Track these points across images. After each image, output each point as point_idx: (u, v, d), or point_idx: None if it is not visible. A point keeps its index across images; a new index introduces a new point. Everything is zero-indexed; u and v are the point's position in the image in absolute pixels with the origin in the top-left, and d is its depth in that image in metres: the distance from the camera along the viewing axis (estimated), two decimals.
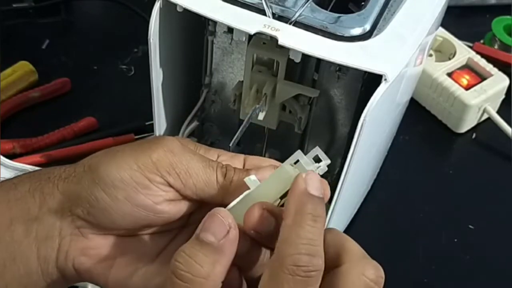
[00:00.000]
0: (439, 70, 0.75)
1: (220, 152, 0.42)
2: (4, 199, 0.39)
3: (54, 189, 0.39)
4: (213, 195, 0.38)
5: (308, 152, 0.58)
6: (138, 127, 0.71)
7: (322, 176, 0.37)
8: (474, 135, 0.76)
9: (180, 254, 0.34)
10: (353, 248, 0.36)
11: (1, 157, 0.60)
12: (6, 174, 0.60)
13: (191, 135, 0.61)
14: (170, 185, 0.38)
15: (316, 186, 0.35)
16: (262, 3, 0.48)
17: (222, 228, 0.34)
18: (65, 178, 0.39)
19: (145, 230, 0.40)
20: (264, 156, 0.60)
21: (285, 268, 0.32)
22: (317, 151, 0.37)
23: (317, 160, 0.37)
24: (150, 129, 0.65)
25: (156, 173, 0.37)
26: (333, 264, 0.35)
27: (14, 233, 0.38)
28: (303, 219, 0.33)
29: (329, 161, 0.37)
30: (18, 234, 0.38)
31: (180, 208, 0.39)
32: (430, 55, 0.77)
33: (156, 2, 0.49)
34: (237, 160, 0.41)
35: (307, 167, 0.36)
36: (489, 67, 0.76)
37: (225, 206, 0.37)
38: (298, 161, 0.37)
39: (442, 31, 0.78)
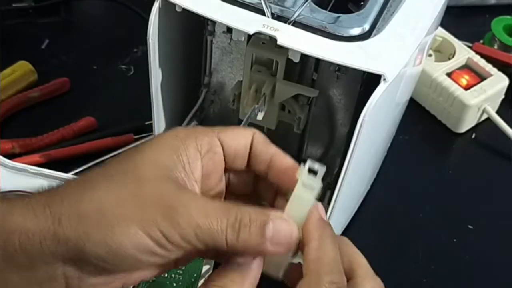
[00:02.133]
0: (439, 70, 0.75)
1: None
2: None
3: (41, 250, 0.36)
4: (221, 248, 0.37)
5: (307, 152, 0.58)
6: (138, 127, 0.71)
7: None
8: (473, 135, 0.76)
9: (213, 276, 0.37)
10: (364, 263, 0.40)
11: (1, 157, 0.60)
12: (6, 174, 0.60)
13: None
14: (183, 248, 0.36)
15: (324, 213, 0.39)
16: (261, 3, 0.48)
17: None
18: (54, 240, 0.36)
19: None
20: None
21: (324, 286, 0.36)
22: (311, 163, 0.38)
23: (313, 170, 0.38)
24: (150, 129, 0.65)
25: (169, 244, 0.36)
26: (346, 276, 0.38)
27: (9, 280, 0.36)
28: (327, 241, 0.37)
29: (325, 168, 0.38)
30: (14, 281, 0.36)
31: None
32: (430, 55, 0.77)
33: (155, 2, 0.49)
34: (265, 151, 0.41)
35: (315, 184, 0.38)
36: (488, 67, 0.76)
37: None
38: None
39: (441, 31, 0.78)
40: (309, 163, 0.38)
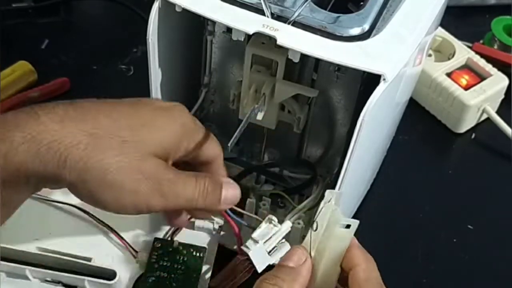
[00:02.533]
0: (439, 70, 0.75)
1: None
2: None
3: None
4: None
5: (306, 152, 0.58)
6: None
7: None
8: (473, 135, 0.76)
9: (266, 276, 0.42)
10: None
11: None
12: None
13: None
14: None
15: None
16: (261, 3, 0.48)
17: (302, 257, 0.43)
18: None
19: None
20: (264, 156, 0.61)
21: None
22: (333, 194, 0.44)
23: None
24: None
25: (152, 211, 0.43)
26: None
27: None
28: (371, 263, 0.45)
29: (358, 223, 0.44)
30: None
31: None
32: (430, 55, 0.77)
33: (155, 2, 0.49)
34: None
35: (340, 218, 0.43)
36: (488, 67, 0.76)
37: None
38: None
39: (441, 31, 0.78)
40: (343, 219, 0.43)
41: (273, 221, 0.49)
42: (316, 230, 0.44)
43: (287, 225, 0.50)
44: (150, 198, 0.42)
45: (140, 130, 0.43)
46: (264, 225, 0.49)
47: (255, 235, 0.49)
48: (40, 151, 0.39)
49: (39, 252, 0.55)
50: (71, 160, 0.39)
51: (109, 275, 0.54)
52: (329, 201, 0.44)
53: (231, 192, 0.47)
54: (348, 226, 0.43)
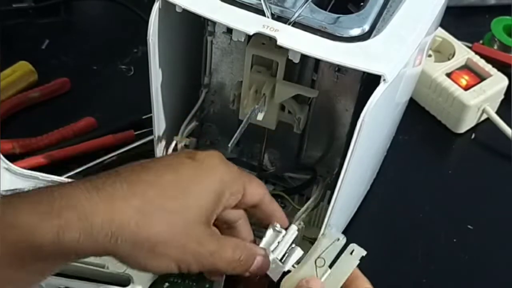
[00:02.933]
0: (438, 71, 0.75)
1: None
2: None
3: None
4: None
5: (307, 152, 0.58)
6: (136, 122, 0.71)
7: None
8: (473, 135, 0.76)
9: None
10: None
11: (11, 164, 0.61)
12: (6, 175, 0.60)
13: (190, 135, 0.61)
14: None
15: None
16: (261, 4, 0.48)
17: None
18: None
19: None
20: (263, 156, 0.61)
21: None
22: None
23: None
24: (148, 123, 0.65)
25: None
26: None
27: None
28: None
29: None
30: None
31: None
32: (430, 56, 0.77)
33: (156, 2, 0.49)
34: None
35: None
36: (488, 67, 0.76)
37: None
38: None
39: (441, 32, 0.78)
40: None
41: (276, 228, 0.50)
42: (323, 266, 0.46)
43: (293, 230, 0.50)
44: (191, 266, 0.44)
45: (184, 199, 0.44)
46: (269, 233, 0.50)
47: (262, 244, 0.49)
48: (93, 232, 0.40)
49: None
50: (122, 238, 0.41)
51: (124, 281, 0.54)
52: (338, 240, 0.47)
53: (260, 264, 0.48)
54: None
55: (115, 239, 0.41)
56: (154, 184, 0.43)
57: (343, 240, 0.47)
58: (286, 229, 0.50)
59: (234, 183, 0.47)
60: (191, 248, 0.44)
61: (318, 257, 0.46)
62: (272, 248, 0.49)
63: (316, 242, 0.48)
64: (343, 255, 0.47)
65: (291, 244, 0.50)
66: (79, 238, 0.40)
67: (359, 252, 0.47)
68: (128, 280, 0.54)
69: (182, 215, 0.44)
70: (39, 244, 0.39)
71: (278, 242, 0.49)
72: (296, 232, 0.51)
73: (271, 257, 0.49)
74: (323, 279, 0.46)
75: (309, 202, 0.57)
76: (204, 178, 0.46)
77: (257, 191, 0.49)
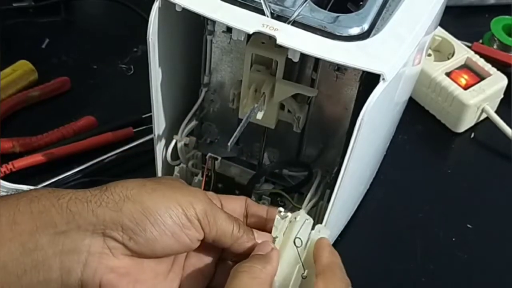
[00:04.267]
0: (438, 70, 0.75)
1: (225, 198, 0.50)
2: (26, 210, 0.42)
3: (85, 210, 0.42)
4: (225, 242, 0.47)
5: (306, 151, 0.58)
6: (136, 120, 0.71)
7: None
8: (472, 135, 0.76)
9: (240, 264, 0.44)
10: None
11: (1, 181, 0.61)
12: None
13: (190, 134, 0.61)
14: (202, 229, 0.45)
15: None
16: (260, 3, 0.48)
17: (268, 247, 0.46)
18: (97, 202, 0.43)
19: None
20: (263, 155, 0.61)
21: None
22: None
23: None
24: (148, 121, 0.66)
25: (195, 218, 0.44)
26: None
27: (39, 242, 0.41)
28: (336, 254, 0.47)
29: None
30: (43, 243, 0.41)
31: (199, 240, 0.46)
32: (429, 55, 0.77)
33: (155, 1, 0.49)
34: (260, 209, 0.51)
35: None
36: (487, 66, 0.76)
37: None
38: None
39: (441, 31, 0.78)
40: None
41: (281, 212, 0.49)
42: (301, 246, 0.46)
43: (302, 215, 0.50)
44: (192, 201, 0.45)
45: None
46: (278, 220, 0.49)
47: (274, 233, 0.49)
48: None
49: None
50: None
51: None
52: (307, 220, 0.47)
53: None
54: None
55: (105, 188, 0.44)
56: (151, 192, 0.45)
57: (311, 220, 0.48)
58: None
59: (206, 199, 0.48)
60: (193, 195, 0.45)
61: (296, 238, 0.46)
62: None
63: (288, 224, 0.48)
64: (312, 234, 0.47)
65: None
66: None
67: (324, 232, 0.47)
68: None
69: (171, 193, 0.45)
70: None
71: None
72: (307, 218, 0.50)
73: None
74: (303, 258, 0.46)
75: (307, 198, 0.57)
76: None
77: (234, 197, 0.51)
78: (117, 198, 0.43)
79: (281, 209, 0.49)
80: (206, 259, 0.49)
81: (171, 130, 0.60)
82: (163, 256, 0.45)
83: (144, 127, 0.71)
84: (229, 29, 0.53)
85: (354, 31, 0.48)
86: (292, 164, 0.61)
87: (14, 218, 0.41)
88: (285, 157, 0.61)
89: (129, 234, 0.43)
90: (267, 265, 0.44)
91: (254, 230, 0.48)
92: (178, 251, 0.46)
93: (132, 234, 0.43)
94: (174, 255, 0.47)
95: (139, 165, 0.69)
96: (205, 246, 0.47)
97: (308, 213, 0.57)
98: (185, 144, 0.61)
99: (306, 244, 0.47)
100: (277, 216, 0.49)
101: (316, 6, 0.49)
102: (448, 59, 0.77)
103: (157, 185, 0.45)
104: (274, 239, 0.48)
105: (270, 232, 0.49)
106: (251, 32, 0.47)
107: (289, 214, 0.49)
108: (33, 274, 0.41)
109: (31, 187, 0.61)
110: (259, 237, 0.48)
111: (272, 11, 0.48)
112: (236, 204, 0.50)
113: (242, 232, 0.47)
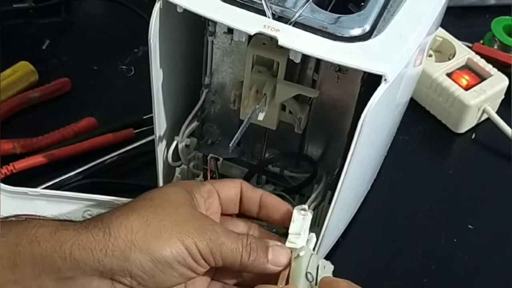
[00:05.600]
0: (439, 71, 0.75)
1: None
2: (27, 252, 0.41)
3: (90, 259, 0.42)
4: (234, 269, 0.47)
5: (307, 152, 0.58)
6: (137, 121, 0.71)
7: None
8: (473, 135, 0.76)
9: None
10: None
11: (0, 184, 0.60)
12: (6, 199, 0.60)
13: (191, 135, 0.61)
14: (209, 264, 0.45)
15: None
16: (262, 4, 0.48)
17: None
18: (103, 251, 0.42)
19: None
20: (264, 156, 0.61)
21: None
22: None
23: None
24: (148, 122, 0.66)
25: (201, 258, 0.44)
26: None
27: (43, 286, 0.41)
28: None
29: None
30: (49, 285, 0.41)
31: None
32: (430, 56, 0.77)
33: (156, 2, 0.49)
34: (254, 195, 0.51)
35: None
36: (488, 67, 0.76)
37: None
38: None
39: (441, 32, 0.78)
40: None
41: (303, 210, 0.50)
42: (312, 281, 0.46)
43: (307, 250, 0.50)
44: (197, 240, 0.44)
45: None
46: (297, 217, 0.50)
47: (293, 229, 0.49)
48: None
49: None
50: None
51: None
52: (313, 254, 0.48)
53: (278, 252, 0.47)
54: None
55: (108, 231, 0.43)
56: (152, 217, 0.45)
57: (314, 253, 0.48)
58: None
59: (197, 185, 0.49)
60: (187, 219, 0.45)
61: (307, 272, 0.46)
62: (304, 231, 0.49)
63: (297, 259, 0.47)
64: (319, 271, 0.47)
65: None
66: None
67: (329, 267, 0.48)
68: None
69: (167, 200, 0.46)
70: None
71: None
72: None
73: (301, 243, 0.49)
74: None
75: (310, 199, 0.57)
76: (165, 189, 0.48)
77: (230, 183, 0.51)
78: (122, 245, 0.42)
79: (304, 206, 0.49)
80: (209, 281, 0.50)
81: (172, 131, 0.60)
82: None
83: (145, 128, 0.71)
84: (230, 30, 0.53)
85: (356, 32, 0.48)
86: (293, 156, 0.60)
87: (15, 261, 0.41)
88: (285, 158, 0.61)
89: (138, 280, 0.43)
90: None
91: (271, 243, 0.48)
92: (186, 282, 0.47)
93: (141, 280, 0.43)
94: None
95: (140, 166, 0.69)
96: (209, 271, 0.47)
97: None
98: (186, 145, 0.61)
99: (316, 278, 0.46)
100: (295, 211, 0.49)
101: (317, 7, 0.49)
102: (449, 59, 0.77)
103: (162, 222, 0.44)
104: (290, 235, 0.48)
105: (261, 218, 0.50)
106: (252, 33, 0.47)
107: (305, 207, 0.50)
108: None
109: (31, 189, 0.61)
110: (275, 251, 0.47)
111: (273, 12, 0.48)
112: (231, 192, 0.51)
113: (254, 257, 0.46)
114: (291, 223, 0.50)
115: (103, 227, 0.43)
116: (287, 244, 0.49)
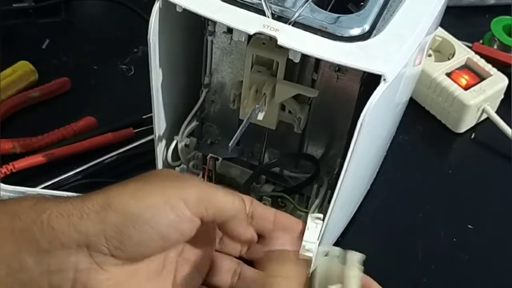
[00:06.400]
0: (438, 70, 0.75)
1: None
2: (7, 227, 0.40)
3: (66, 226, 0.40)
4: (226, 217, 0.44)
5: (307, 152, 0.58)
6: (136, 121, 0.71)
7: None
8: (473, 135, 0.76)
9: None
10: None
11: (0, 184, 0.60)
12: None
13: (190, 135, 0.61)
14: (197, 216, 0.43)
15: None
16: (261, 3, 0.48)
17: None
18: (79, 215, 0.41)
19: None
20: (264, 156, 0.61)
21: None
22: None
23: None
24: (148, 122, 0.65)
25: (186, 210, 0.42)
26: None
27: (23, 263, 0.40)
28: None
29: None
30: (28, 264, 0.40)
31: (196, 228, 0.44)
32: (430, 55, 0.77)
33: (156, 2, 0.49)
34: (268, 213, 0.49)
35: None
36: (488, 67, 0.76)
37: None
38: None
39: (441, 31, 0.78)
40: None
41: (317, 219, 0.49)
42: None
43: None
44: (181, 191, 0.43)
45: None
46: (311, 225, 0.49)
47: (308, 237, 0.49)
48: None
49: None
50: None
51: None
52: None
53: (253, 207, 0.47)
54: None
55: (87, 198, 0.41)
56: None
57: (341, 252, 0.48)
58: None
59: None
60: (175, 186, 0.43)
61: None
62: (318, 239, 0.49)
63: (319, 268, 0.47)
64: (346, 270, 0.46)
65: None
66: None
67: (357, 257, 0.47)
68: None
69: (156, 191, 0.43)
70: None
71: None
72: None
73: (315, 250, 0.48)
74: None
75: (316, 203, 0.57)
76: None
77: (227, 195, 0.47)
78: (97, 208, 0.41)
79: (319, 215, 0.49)
80: (201, 254, 0.47)
81: (172, 131, 0.60)
82: (156, 254, 0.44)
83: (144, 127, 0.71)
84: (229, 30, 0.53)
85: (355, 31, 0.48)
86: (296, 156, 0.60)
87: None
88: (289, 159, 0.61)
89: (114, 245, 0.41)
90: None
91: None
92: (173, 246, 0.44)
93: (118, 244, 0.41)
94: (169, 249, 0.45)
95: (139, 166, 0.69)
96: (200, 240, 0.45)
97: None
98: (186, 145, 0.61)
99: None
100: (309, 219, 0.49)
101: (316, 7, 0.49)
102: (449, 59, 0.77)
103: (141, 184, 0.43)
104: (304, 242, 0.48)
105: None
106: (251, 33, 0.47)
107: (320, 215, 0.49)
108: None
109: (31, 189, 0.61)
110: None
111: (273, 12, 0.48)
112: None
113: (243, 205, 0.45)
114: (306, 230, 0.49)
115: (82, 196, 0.42)
116: (302, 252, 0.48)
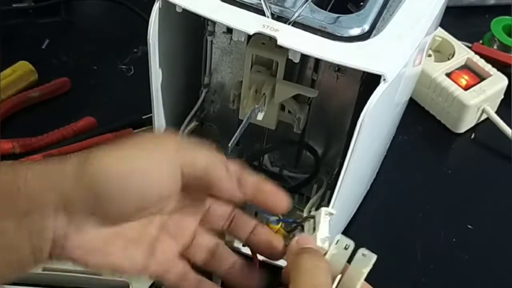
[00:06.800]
0: (438, 70, 0.75)
1: None
2: None
3: (44, 186, 0.39)
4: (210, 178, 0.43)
5: (306, 152, 0.58)
6: (136, 121, 0.71)
7: None
8: (473, 135, 0.76)
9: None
10: None
11: None
12: None
13: (190, 135, 0.61)
14: (180, 172, 0.41)
15: None
16: (261, 3, 0.48)
17: None
18: (57, 175, 0.40)
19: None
20: (264, 156, 0.61)
21: None
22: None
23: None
24: (148, 122, 0.65)
25: (168, 163, 0.41)
26: None
27: (4, 227, 0.39)
28: None
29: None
30: (8, 228, 0.39)
31: (176, 190, 0.42)
32: (429, 55, 0.77)
33: (156, 2, 0.49)
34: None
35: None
36: (488, 67, 0.76)
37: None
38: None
39: (441, 31, 0.78)
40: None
41: (329, 214, 0.48)
42: None
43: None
44: (166, 148, 0.42)
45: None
46: (323, 221, 0.49)
47: (320, 233, 0.47)
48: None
49: (45, 272, 0.54)
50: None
51: (123, 287, 0.54)
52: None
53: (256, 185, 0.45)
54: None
55: (68, 156, 0.41)
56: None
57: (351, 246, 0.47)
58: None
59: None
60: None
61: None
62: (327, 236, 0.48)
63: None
64: (353, 262, 0.46)
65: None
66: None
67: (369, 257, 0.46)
68: (127, 285, 0.53)
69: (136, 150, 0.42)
70: None
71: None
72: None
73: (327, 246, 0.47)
74: (334, 286, 0.45)
75: (312, 200, 0.57)
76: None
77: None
78: (76, 165, 0.40)
79: (332, 211, 0.47)
80: (183, 224, 0.45)
81: (172, 131, 0.60)
82: (135, 218, 0.43)
83: (144, 128, 0.71)
84: (229, 30, 0.53)
85: (355, 31, 0.48)
86: (298, 144, 0.60)
87: None
88: (285, 158, 0.61)
89: (92, 203, 0.40)
90: None
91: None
92: (152, 207, 0.43)
93: (96, 202, 0.40)
94: (153, 212, 0.44)
95: None
96: (182, 210, 0.44)
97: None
98: None
99: None
100: (322, 214, 0.47)
101: (316, 7, 0.49)
102: (449, 59, 0.77)
103: (120, 143, 0.41)
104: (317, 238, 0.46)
105: None
106: (251, 33, 0.47)
107: (333, 211, 0.47)
108: (4, 255, 0.40)
109: None
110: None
111: (273, 12, 0.48)
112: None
113: (220, 156, 0.43)
114: (318, 224, 0.47)
115: (61, 157, 0.41)
116: (320, 244, 0.46)
